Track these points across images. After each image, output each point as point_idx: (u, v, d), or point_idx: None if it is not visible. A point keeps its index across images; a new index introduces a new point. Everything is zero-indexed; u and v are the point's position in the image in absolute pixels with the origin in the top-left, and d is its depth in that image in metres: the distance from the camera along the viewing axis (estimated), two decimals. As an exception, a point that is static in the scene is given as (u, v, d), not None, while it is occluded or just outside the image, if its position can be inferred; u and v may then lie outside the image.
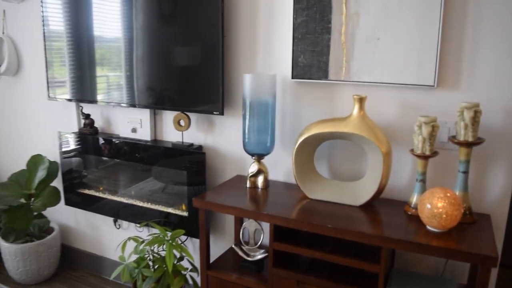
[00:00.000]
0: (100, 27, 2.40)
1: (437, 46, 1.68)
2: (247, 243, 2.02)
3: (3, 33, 3.03)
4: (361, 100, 1.74)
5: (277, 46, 2.05)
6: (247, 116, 1.94)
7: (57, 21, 2.58)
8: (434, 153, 1.68)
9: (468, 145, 1.62)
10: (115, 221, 2.77)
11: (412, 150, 1.71)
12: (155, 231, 2.56)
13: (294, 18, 1.91)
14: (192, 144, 2.30)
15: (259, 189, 2.01)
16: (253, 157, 2.00)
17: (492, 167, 1.73)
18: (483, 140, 1.63)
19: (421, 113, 1.80)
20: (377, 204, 1.82)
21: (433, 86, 1.71)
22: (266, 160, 2.05)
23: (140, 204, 2.49)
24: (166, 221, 2.40)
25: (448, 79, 1.73)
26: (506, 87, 1.65)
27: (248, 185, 2.03)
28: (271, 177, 2.14)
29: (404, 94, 1.81)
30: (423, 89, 1.77)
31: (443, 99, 1.76)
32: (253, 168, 2.00)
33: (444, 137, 1.77)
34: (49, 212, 3.07)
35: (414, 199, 1.73)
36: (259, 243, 2.00)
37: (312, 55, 1.89)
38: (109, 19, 2.36)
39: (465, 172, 1.65)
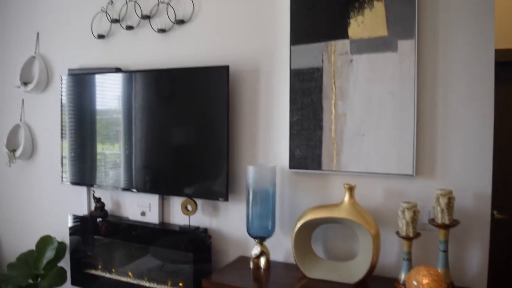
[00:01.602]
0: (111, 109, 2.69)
1: (413, 141, 1.97)
2: (251, 321, 2.17)
3: (20, 120, 3.31)
4: (351, 189, 1.99)
5: (276, 140, 2.34)
6: (250, 203, 2.18)
7: (72, 109, 2.87)
8: (417, 235, 1.90)
9: (445, 227, 1.86)
10: (120, 301, 2.88)
11: (397, 232, 1.94)
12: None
13: (291, 117, 2.22)
14: (198, 227, 2.50)
15: (262, 270, 2.19)
16: (256, 240, 2.21)
17: (469, 245, 1.96)
18: (458, 222, 1.87)
19: (403, 199, 2.04)
20: (369, 282, 2.01)
21: (412, 175, 1.99)
22: (267, 242, 2.25)
23: (146, 284, 2.63)
24: (172, 300, 2.53)
25: (424, 168, 2.01)
26: (474, 175, 1.93)
27: (251, 266, 2.22)
28: (272, 257, 2.32)
29: (388, 182, 2.08)
30: (404, 178, 2.04)
31: (422, 186, 2.02)
32: (256, 250, 2.20)
33: (425, 219, 2.00)
34: (54, 292, 3.17)
35: (402, 276, 1.92)
36: (262, 321, 2.15)
37: (307, 148, 2.18)
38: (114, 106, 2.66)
39: (445, 251, 1.87)
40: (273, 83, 2.33)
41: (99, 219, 2.79)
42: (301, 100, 2.18)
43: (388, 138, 2.01)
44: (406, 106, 1.97)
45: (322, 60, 2.13)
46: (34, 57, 3.21)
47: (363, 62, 2.05)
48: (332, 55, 2.11)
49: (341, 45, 2.09)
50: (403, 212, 1.90)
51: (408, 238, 1.90)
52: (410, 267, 1.91)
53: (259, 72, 2.36)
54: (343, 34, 2.09)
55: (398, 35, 1.98)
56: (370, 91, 2.04)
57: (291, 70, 2.21)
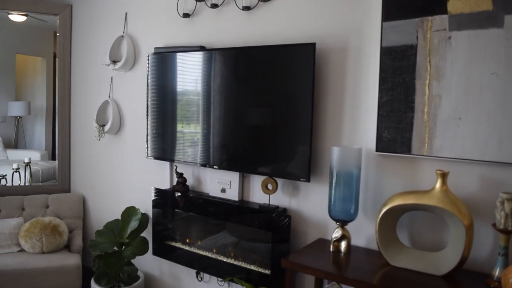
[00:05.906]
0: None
1: (517, 127, 1.80)
2: (328, 304, 2.13)
3: (109, 96, 3.48)
4: (444, 175, 1.86)
5: (362, 121, 2.24)
6: (334, 185, 2.12)
7: (157, 87, 2.95)
8: (516, 229, 1.75)
9: (551, 223, 1.69)
10: (197, 274, 2.96)
11: (494, 225, 1.79)
12: (236, 286, 2.72)
13: (380, 97, 2.11)
14: (277, 207, 2.49)
15: (342, 254, 2.14)
16: (337, 223, 2.15)
17: None
18: None
19: (502, 189, 1.87)
20: (458, 275, 1.89)
21: (514, 164, 1.82)
22: (348, 226, 2.19)
23: (224, 259, 2.68)
24: (248, 278, 2.56)
25: (529, 157, 1.83)
26: None
27: (331, 249, 2.17)
28: (353, 242, 2.26)
29: (484, 170, 1.92)
30: (504, 166, 1.87)
31: (524, 176, 1.85)
32: (337, 233, 2.15)
33: (526, 212, 1.84)
34: (136, 260, 3.32)
35: (496, 272, 1.78)
36: (340, 305, 2.11)
37: (396, 131, 2.07)
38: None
39: (549, 249, 1.71)
40: (362, 61, 2.22)
41: (180, 194, 2.88)
42: (392, 80, 2.06)
43: (489, 123, 1.85)
44: (511, 87, 1.80)
45: (417, 37, 1.99)
46: (122, 36, 3.33)
47: (463, 39, 1.89)
48: (428, 31, 1.97)
49: (439, 20, 1.94)
50: (503, 203, 1.75)
51: (506, 232, 1.76)
52: (506, 263, 1.77)
53: (347, 50, 2.26)
54: (441, 9, 1.93)
55: (504, 9, 1.79)
56: (470, 71, 1.88)
57: (381, 47, 2.09)
